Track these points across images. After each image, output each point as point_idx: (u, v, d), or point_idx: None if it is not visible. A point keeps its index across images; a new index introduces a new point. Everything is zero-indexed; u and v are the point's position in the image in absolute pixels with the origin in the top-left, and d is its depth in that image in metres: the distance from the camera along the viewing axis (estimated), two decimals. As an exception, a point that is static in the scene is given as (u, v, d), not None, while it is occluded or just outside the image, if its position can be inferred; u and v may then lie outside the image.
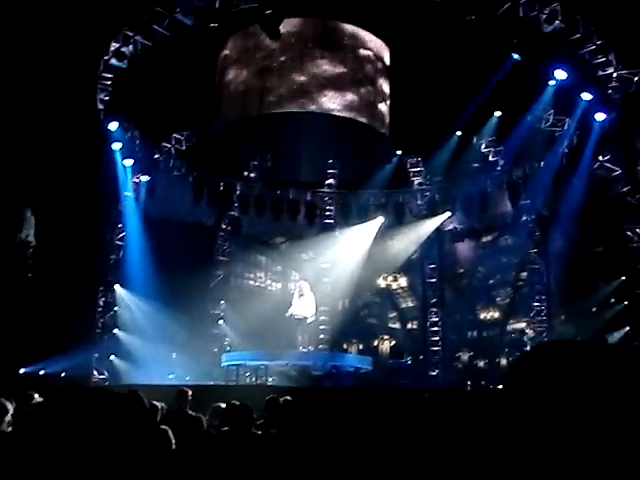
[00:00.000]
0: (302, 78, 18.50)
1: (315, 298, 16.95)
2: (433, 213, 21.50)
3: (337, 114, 18.56)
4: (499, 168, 20.13)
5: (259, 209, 21.53)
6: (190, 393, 8.39)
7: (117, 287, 19.05)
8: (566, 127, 18.37)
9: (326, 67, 18.58)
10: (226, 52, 19.47)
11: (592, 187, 17.45)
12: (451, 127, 20.15)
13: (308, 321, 16.68)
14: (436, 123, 18.60)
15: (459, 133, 20.56)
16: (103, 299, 19.20)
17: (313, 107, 18.51)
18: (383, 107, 19.45)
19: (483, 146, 20.29)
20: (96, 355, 18.15)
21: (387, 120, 19.56)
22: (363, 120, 18.93)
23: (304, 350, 16.58)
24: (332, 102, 18.56)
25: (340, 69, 18.72)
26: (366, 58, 19.15)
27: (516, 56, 16.51)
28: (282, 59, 18.57)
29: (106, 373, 18.00)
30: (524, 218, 19.69)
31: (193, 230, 20.37)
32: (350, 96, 18.79)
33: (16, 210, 15.94)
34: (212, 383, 15.88)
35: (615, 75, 16.24)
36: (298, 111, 18.48)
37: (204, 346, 19.48)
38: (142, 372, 16.71)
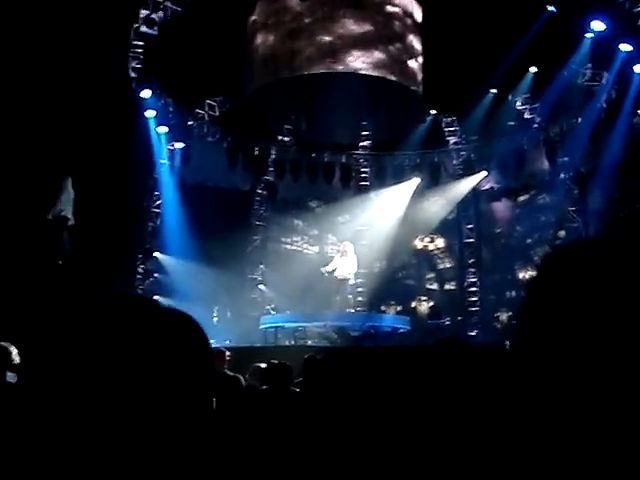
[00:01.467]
0: (328, 39, 18.35)
1: (357, 259, 17.06)
2: (469, 173, 21.31)
3: (365, 73, 18.40)
4: (535, 125, 19.81)
5: (294, 173, 21.57)
6: (228, 354, 8.47)
7: (156, 254, 19.29)
8: (604, 81, 17.98)
9: (352, 26, 18.40)
10: (254, 17, 19.41)
11: (631, 142, 17.12)
12: (486, 85, 19.88)
13: (350, 282, 16.79)
14: (470, 81, 18.35)
15: (494, 91, 20.27)
16: (142, 266, 19.45)
17: (340, 67, 18.38)
18: (414, 64, 19.21)
19: (518, 103, 19.96)
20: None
21: (419, 78, 19.34)
22: (392, 78, 18.74)
23: (343, 310, 16.70)
24: (359, 61, 18.40)
25: (367, 27, 18.51)
26: (394, 15, 18.89)
27: (551, 8, 16.17)
28: (308, 21, 18.44)
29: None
30: (562, 176, 19.41)
31: (229, 196, 20.48)
32: (378, 54, 18.57)
33: (55, 181, 16.08)
34: (252, 345, 16.03)
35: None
36: (325, 72, 18.38)
37: (243, 310, 19.67)
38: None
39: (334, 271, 16.75)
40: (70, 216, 16.26)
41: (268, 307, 19.80)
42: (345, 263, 16.83)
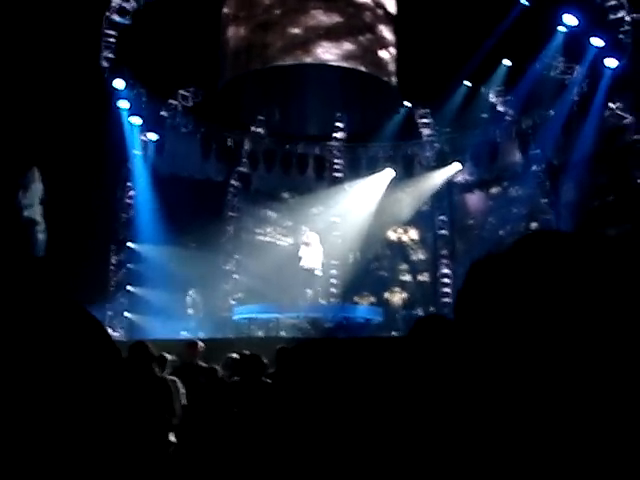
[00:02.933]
0: (297, 31, 18.36)
1: (322, 250, 17.05)
2: (442, 164, 21.38)
3: (334, 64, 18.41)
4: (508, 118, 19.92)
5: (268, 164, 21.50)
6: (201, 345, 8.47)
7: (130, 244, 19.19)
8: (576, 74, 18.11)
9: (322, 17, 18.42)
10: (225, 9, 19.36)
11: (603, 135, 17.27)
12: (459, 77, 19.96)
13: (316, 272, 16.80)
14: (444, 73, 18.43)
15: (467, 83, 20.35)
16: (115, 257, 19.32)
17: (310, 59, 18.40)
18: (386, 55, 19.23)
19: (492, 96, 20.06)
20: (110, 313, 18.30)
21: (392, 69, 19.36)
22: (363, 69, 18.76)
23: (315, 302, 16.72)
24: (329, 53, 18.42)
25: (336, 19, 18.52)
26: (364, 5, 18.90)
27: (524, 1, 16.23)
28: (278, 13, 18.44)
29: (120, 330, 18.17)
30: (534, 168, 19.53)
31: (202, 186, 20.40)
32: (348, 45, 18.59)
33: (19, 172, 15.90)
34: (224, 337, 16.00)
35: (627, 19, 15.94)
36: (294, 63, 18.36)
37: (216, 301, 19.62)
38: (157, 328, 16.88)
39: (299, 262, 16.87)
40: (37, 217, 16.11)
41: (235, 297, 19.84)
42: (310, 254, 16.86)
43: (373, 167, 22.03)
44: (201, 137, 20.52)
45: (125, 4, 17.28)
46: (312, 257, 16.99)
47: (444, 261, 21.69)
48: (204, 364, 7.97)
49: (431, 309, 20.78)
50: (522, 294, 0.90)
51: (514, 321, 0.89)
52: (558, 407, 0.84)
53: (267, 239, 22.74)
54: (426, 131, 21.93)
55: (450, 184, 21.66)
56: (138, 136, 19.29)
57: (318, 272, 17.28)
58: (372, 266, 22.85)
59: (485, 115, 20.51)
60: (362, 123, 21.85)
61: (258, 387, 5.91)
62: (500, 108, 20.00)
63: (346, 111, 21.66)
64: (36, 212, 16.52)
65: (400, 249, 23.39)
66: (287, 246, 22.50)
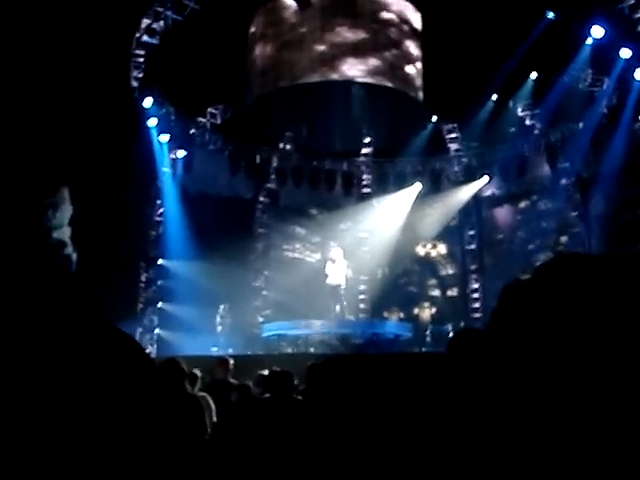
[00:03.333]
0: (323, 48, 18.48)
1: (347, 265, 17.06)
2: (470, 179, 21.30)
3: (360, 80, 18.44)
4: (536, 131, 19.80)
5: (296, 180, 21.55)
6: (232, 362, 8.43)
7: (160, 260, 19.30)
8: (605, 86, 17.97)
9: (346, 34, 18.52)
10: (253, 29, 19.52)
11: (632, 147, 17.08)
12: (487, 91, 19.88)
13: (342, 287, 16.79)
14: (471, 88, 18.35)
15: (495, 97, 20.27)
16: (145, 274, 19.42)
17: (335, 76, 18.45)
18: (412, 70, 19.25)
19: (519, 109, 19.96)
20: (140, 330, 18.37)
21: (418, 83, 19.37)
22: (389, 84, 18.77)
23: (344, 318, 16.69)
24: (355, 69, 18.51)
25: (362, 35, 18.60)
26: (389, 22, 18.96)
27: (551, 14, 16.15)
28: (304, 31, 18.55)
29: (150, 347, 18.24)
30: (563, 181, 19.37)
31: (231, 203, 20.49)
32: (373, 61, 18.65)
33: (49, 193, 16.09)
34: (254, 353, 15.99)
35: (656, 30, 15.80)
36: (320, 80, 18.43)
37: (246, 317, 19.63)
38: (187, 344, 16.91)
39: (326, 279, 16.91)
40: (66, 238, 16.29)
41: (264, 313, 19.86)
42: (335, 270, 16.87)
43: (401, 182, 22.00)
44: (229, 154, 20.63)
45: (154, 25, 17.46)
46: (337, 273, 16.97)
47: (473, 276, 21.56)
48: (235, 381, 7.96)
49: (461, 324, 20.62)
50: (552, 320, 0.94)
51: (544, 347, 0.93)
52: (593, 430, 0.85)
53: (295, 255, 22.76)
54: (454, 146, 21.89)
55: (478, 198, 21.57)
56: (167, 154, 19.42)
57: (342, 288, 17.24)
58: (401, 281, 22.76)
59: (513, 129, 20.43)
60: (389, 138, 21.84)
61: (289, 404, 5.88)
62: (528, 122, 19.90)
63: (373, 127, 21.67)
64: (65, 233, 16.71)
65: (429, 264, 23.28)
66: (315, 262, 22.50)
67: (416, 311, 22.04)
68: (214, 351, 16.71)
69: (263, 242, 21.88)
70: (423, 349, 17.69)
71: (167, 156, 19.42)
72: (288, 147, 21.92)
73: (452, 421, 2.50)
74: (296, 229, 23.18)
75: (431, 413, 2.73)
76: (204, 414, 6.12)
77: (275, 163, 21.62)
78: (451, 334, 18.04)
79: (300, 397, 6.43)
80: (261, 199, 21.94)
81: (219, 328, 18.05)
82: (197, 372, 6.98)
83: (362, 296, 21.08)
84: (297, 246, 23.15)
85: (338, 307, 16.92)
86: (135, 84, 18.03)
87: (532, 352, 0.94)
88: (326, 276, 16.94)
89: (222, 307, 18.17)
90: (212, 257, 18.97)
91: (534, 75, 19.34)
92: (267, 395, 6.44)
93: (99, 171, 16.53)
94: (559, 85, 18.31)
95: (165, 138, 19.10)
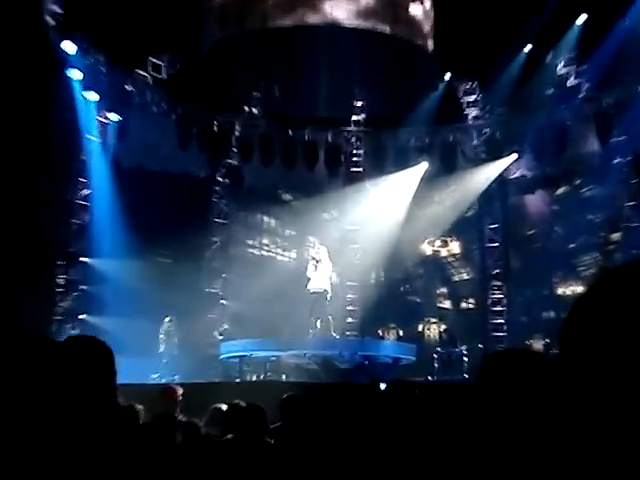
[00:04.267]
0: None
1: (334, 268, 17.03)
2: (494, 156, 21.27)
3: (348, 25, 18.34)
4: (582, 94, 19.80)
5: (265, 155, 21.43)
6: (180, 392, 8.38)
7: (84, 259, 19.10)
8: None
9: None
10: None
11: None
12: (517, 41, 19.87)
13: (328, 296, 16.77)
14: (497, 36, 18.31)
15: (528, 48, 20.26)
16: (64, 277, 19.20)
17: (315, 18, 18.32)
18: (417, 10, 19.20)
19: (561, 65, 19.96)
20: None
21: (427, 28, 19.33)
22: (386, 29, 18.66)
23: (327, 336, 16.68)
24: (340, 9, 18.35)
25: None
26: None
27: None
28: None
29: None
30: (617, 160, 19.40)
31: (180, 184, 20.39)
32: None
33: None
34: (208, 381, 15.91)
35: None
36: (294, 25, 18.37)
37: (198, 334, 19.55)
38: (120, 370, 16.78)
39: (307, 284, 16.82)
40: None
41: (220, 330, 19.78)
42: (319, 273, 16.80)
43: (402, 160, 21.94)
44: (178, 119, 20.48)
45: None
46: (322, 277, 16.92)
47: (496, 283, 21.52)
48: (184, 418, 7.87)
49: (479, 346, 20.64)
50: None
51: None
52: None
53: (264, 253, 22.70)
54: (472, 112, 21.88)
55: (504, 182, 21.58)
56: (95, 117, 19.23)
57: (329, 297, 17.21)
58: (401, 289, 22.77)
59: (551, 91, 20.39)
60: (388, 102, 21.81)
61: (258, 449, 5.76)
62: (572, 81, 19.91)
63: (366, 86, 21.63)
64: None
65: (438, 267, 23.30)
66: (289, 263, 22.43)
67: (420, 328, 22.07)
68: (155, 378, 16.59)
69: (221, 236, 21.77)
70: (430, 378, 17.68)
71: (95, 120, 19.23)
72: (255, 111, 21.83)
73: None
74: (264, 219, 23.13)
75: (445, 469, 2.67)
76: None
77: (238, 132, 21.49)
78: (466, 358, 18.08)
79: (271, 440, 6.35)
80: (219, 179, 21.86)
81: (163, 348, 17.96)
82: (137, 406, 6.88)
83: (350, 308, 21.01)
84: (266, 241, 23.10)
85: (319, 322, 16.87)
86: (52, 22, 17.79)
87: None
88: (307, 280, 16.85)
89: (167, 320, 18.08)
90: (154, 255, 18.86)
91: (582, 19, 19.32)
92: (228, 437, 6.32)
93: (3, 137, 16.33)
94: (616, 33, 18.29)
95: (93, 97, 18.91)
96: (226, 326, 20.47)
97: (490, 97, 21.40)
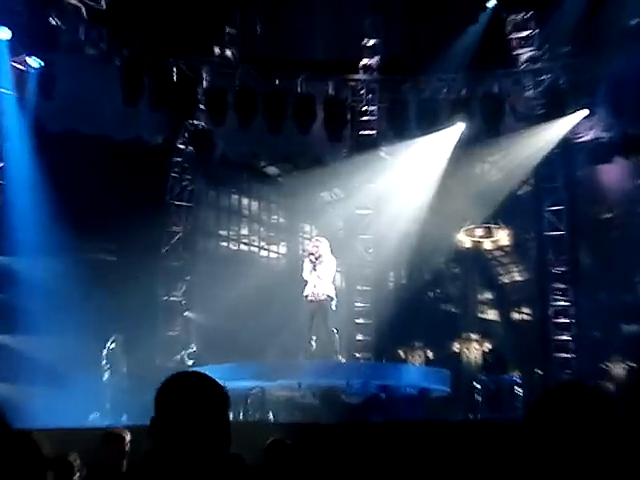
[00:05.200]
0: None
1: (335, 266, 17.00)
2: (556, 113, 21.21)
3: None
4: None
5: (243, 114, 21.35)
6: (128, 439, 8.36)
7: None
8: None
9: None
10: None
11: None
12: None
13: (333, 305, 16.74)
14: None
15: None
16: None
17: None
18: None
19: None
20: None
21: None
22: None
23: (329, 360, 16.67)
24: None
25: None
26: None
27: None
28: None
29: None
30: None
31: (126, 155, 20.34)
32: None
33: None
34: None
35: None
36: None
37: (156, 358, 19.56)
38: (47, 408, 16.75)
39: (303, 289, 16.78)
40: None
41: (187, 351, 19.73)
42: (319, 274, 16.75)
43: (430, 119, 21.87)
44: (123, 66, 20.39)
45: None
46: (322, 280, 16.88)
47: (559, 286, 21.53)
48: (132, 472, 7.86)
49: (538, 372, 20.63)
50: None
51: None
52: None
53: (242, 248, 22.69)
54: (526, 53, 21.84)
55: (570, 148, 21.62)
56: (7, 62, 19.18)
57: (333, 306, 17.20)
58: (430, 295, 22.78)
59: (635, 22, 20.35)
60: (410, 40, 21.80)
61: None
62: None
63: (382, 19, 21.65)
64: None
65: (479, 265, 23.31)
66: (277, 261, 22.43)
67: (457, 348, 22.06)
68: (95, 419, 16.58)
69: (184, 224, 21.71)
70: (469, 416, 17.67)
71: (8, 67, 19.18)
72: (229, 54, 21.80)
73: None
74: (243, 202, 23.13)
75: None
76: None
77: (206, 83, 21.43)
78: (520, 390, 18.07)
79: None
80: (180, 147, 21.87)
81: (106, 377, 17.96)
82: (72, 458, 6.85)
83: (361, 320, 20.96)
84: (245, 232, 23.09)
85: (318, 340, 16.85)
86: None
87: None
88: (302, 284, 16.81)
89: (112, 340, 18.08)
90: (92, 251, 18.83)
91: None
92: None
93: None
94: None
95: (3, 34, 18.87)
96: (192, 347, 20.40)
97: (550, 32, 21.39)
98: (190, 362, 19.79)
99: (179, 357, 20.27)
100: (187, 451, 2.46)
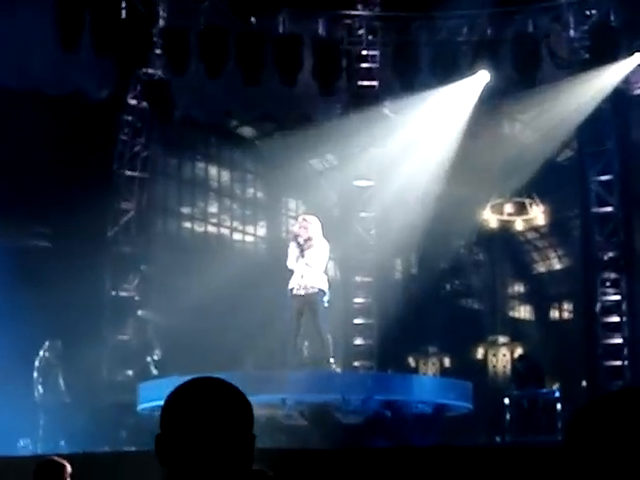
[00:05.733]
0: None
1: (329, 251, 17.02)
2: (605, 58, 21.26)
3: None
4: None
5: (210, 60, 21.37)
6: (69, 470, 8.40)
7: None
8: None
9: None
10: None
11: None
12: None
13: (325, 300, 16.78)
14: None
15: None
16: None
17: None
18: None
19: None
20: None
21: None
22: None
23: (321, 370, 16.73)
24: None
25: None
26: None
27: None
28: None
29: None
30: None
31: (63, 113, 20.42)
32: None
33: None
34: (115, 450, 15.97)
35: None
36: None
37: (99, 369, 19.60)
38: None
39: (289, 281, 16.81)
40: None
41: (149, 359, 19.77)
42: (308, 262, 16.79)
43: (446, 66, 21.91)
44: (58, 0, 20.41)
45: None
46: (312, 269, 16.92)
47: (609, 276, 21.59)
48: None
49: (582, 384, 20.72)
50: None
51: None
52: None
53: (210, 230, 22.73)
54: (565, -16, 21.91)
55: (623, 102, 21.71)
56: None
57: (326, 301, 17.24)
58: (447, 288, 22.85)
59: None
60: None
61: None
62: None
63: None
64: None
65: (509, 250, 23.38)
66: (254, 245, 22.48)
67: (481, 354, 22.14)
68: (26, 446, 16.64)
69: (136, 200, 21.72)
70: (498, 438, 17.75)
71: None
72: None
73: None
74: (210, 172, 23.15)
75: None
76: None
77: (163, 20, 21.44)
78: (559, 406, 18.14)
79: None
80: (131, 102, 21.89)
81: (39, 393, 18.03)
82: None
83: (361, 320, 21.00)
84: (212, 209, 23.12)
85: (307, 342, 16.92)
86: None
87: None
88: (287, 275, 16.85)
89: (45, 347, 18.13)
90: (22, 234, 18.89)
91: None
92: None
93: None
94: None
95: None
96: (159, 353, 20.40)
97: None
98: (155, 372, 19.81)
99: (142, 365, 20.28)
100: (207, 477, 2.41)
